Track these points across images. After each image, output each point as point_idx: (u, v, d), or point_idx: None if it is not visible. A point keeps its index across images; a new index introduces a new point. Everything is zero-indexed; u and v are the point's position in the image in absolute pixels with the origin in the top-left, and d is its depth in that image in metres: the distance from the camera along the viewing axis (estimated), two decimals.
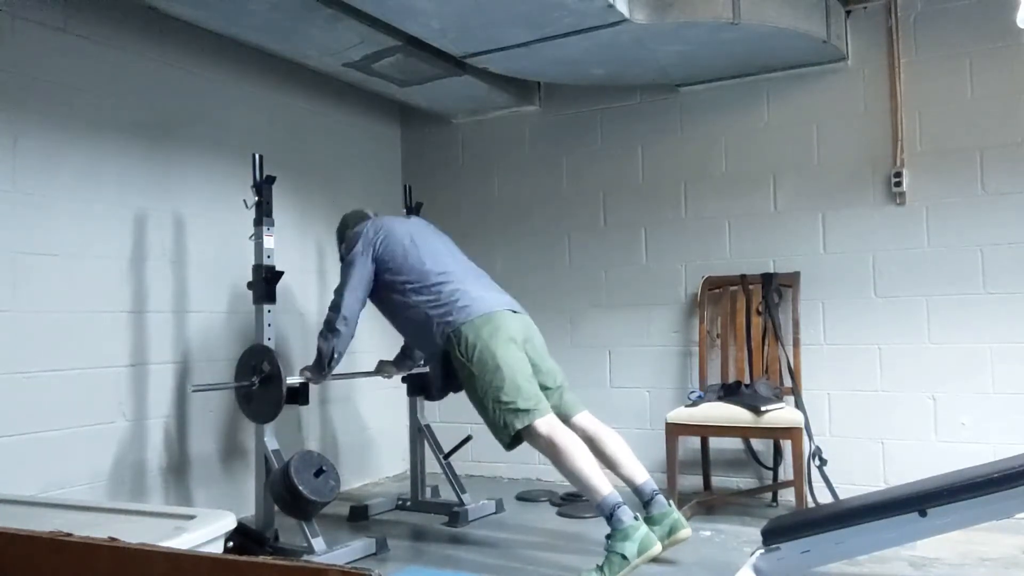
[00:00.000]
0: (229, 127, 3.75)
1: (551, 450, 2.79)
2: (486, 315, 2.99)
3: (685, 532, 2.82)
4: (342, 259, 3.31)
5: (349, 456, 4.29)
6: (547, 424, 2.82)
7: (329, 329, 3.12)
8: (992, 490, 2.08)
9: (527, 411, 2.82)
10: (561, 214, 4.43)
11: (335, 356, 3.13)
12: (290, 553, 2.93)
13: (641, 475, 2.94)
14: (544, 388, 2.97)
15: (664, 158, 4.18)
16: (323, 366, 3.14)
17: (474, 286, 3.11)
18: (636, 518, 2.64)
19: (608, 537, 2.63)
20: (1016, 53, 3.42)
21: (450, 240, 3.40)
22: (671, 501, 2.93)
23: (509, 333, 2.98)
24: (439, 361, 3.08)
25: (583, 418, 3.06)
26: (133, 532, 1.71)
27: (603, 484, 2.70)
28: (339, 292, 3.15)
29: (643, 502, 2.88)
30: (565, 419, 2.96)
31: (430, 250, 3.18)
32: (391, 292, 3.14)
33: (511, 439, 2.86)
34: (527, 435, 2.84)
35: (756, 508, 3.63)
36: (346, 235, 3.33)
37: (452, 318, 2.98)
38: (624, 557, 2.55)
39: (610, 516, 2.63)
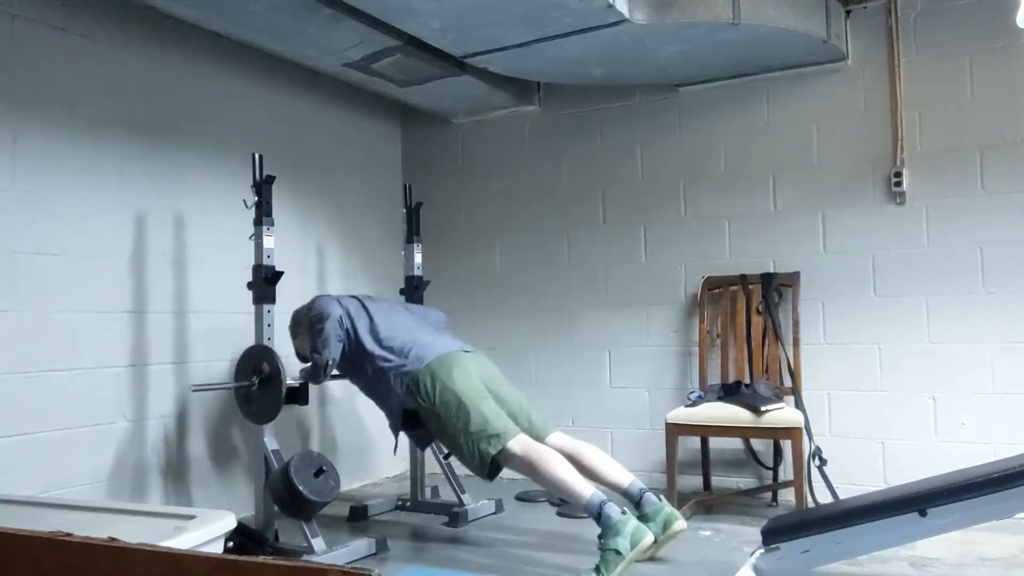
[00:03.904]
0: (229, 127, 3.75)
1: (529, 467, 2.83)
2: (439, 357, 3.07)
3: (680, 524, 2.83)
4: (298, 354, 3.38)
5: (349, 456, 4.29)
6: (519, 443, 2.86)
7: (318, 341, 3.14)
8: (992, 490, 2.08)
9: (497, 435, 2.87)
10: (561, 213, 4.43)
11: (329, 364, 3.15)
12: (290, 553, 2.93)
13: (625, 478, 2.96)
14: (511, 416, 3.01)
15: (664, 158, 4.18)
16: (318, 375, 3.17)
17: (422, 335, 3.21)
18: (624, 512, 2.65)
19: (600, 536, 2.63)
20: (1016, 53, 3.42)
21: (398, 300, 3.64)
22: (661, 496, 2.94)
23: (465, 369, 3.06)
24: (400, 419, 3.13)
25: (556, 438, 3.09)
26: (133, 532, 1.71)
27: (584, 487, 2.73)
28: (319, 329, 3.15)
29: (634, 503, 2.89)
30: (538, 440, 2.98)
31: (379, 311, 3.30)
32: (351, 358, 3.21)
33: (489, 467, 2.89)
34: (503, 459, 2.88)
35: (756, 508, 3.63)
36: (301, 319, 3.35)
37: (408, 368, 3.06)
38: (618, 552, 2.56)
39: (598, 516, 2.65)
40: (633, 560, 2.59)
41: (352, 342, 3.20)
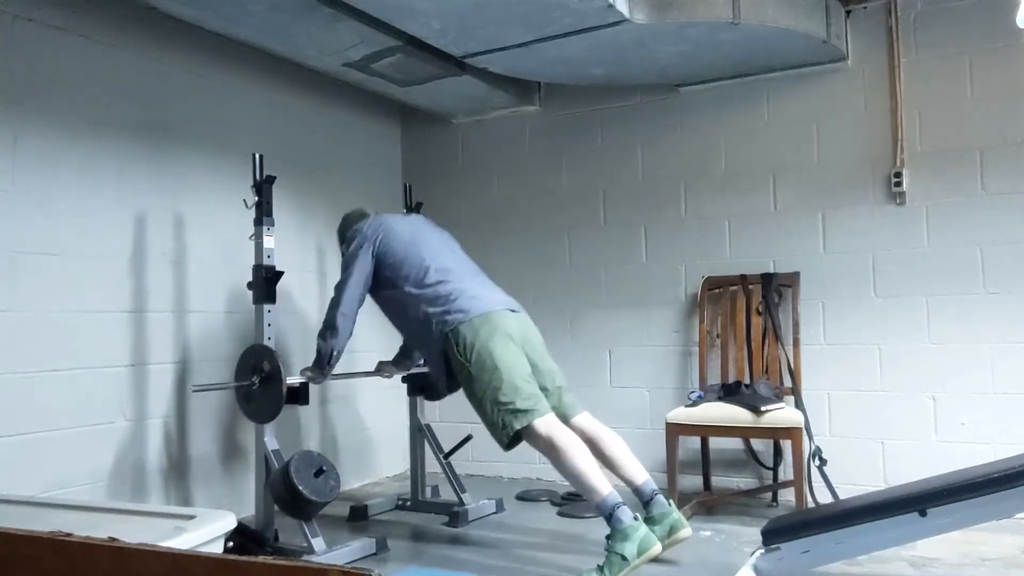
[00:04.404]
0: (229, 127, 3.75)
1: (550, 450, 2.78)
2: (484, 315, 2.97)
3: (685, 532, 2.82)
4: (344, 258, 3.31)
5: (349, 456, 4.29)
6: (546, 424, 2.81)
7: (328, 327, 3.12)
8: (992, 490, 2.08)
9: (526, 411, 2.81)
10: (561, 214, 4.43)
11: (334, 355, 3.13)
12: (290, 553, 2.93)
13: (641, 475, 2.94)
14: (543, 389, 2.96)
15: (664, 158, 4.18)
16: (323, 365, 3.14)
17: (472, 285, 3.09)
18: (636, 518, 2.63)
19: (608, 537, 2.63)
20: (1016, 53, 3.42)
21: (450, 237, 3.39)
22: (671, 501, 2.93)
23: (507, 332, 2.96)
24: (440, 361, 3.06)
25: (582, 419, 3.05)
26: (133, 532, 1.71)
27: (603, 484, 2.70)
28: (339, 288, 3.15)
29: (643, 502, 2.88)
30: (564, 420, 2.94)
31: (430, 248, 3.17)
32: (391, 290, 3.14)
33: (510, 439, 2.85)
34: (526, 435, 2.83)
35: (756, 508, 3.64)
36: (347, 235, 3.33)
37: (450, 317, 2.97)
38: (624, 558, 2.55)
39: (609, 516, 2.63)
40: (637, 567, 2.58)
41: (395, 279, 3.10)
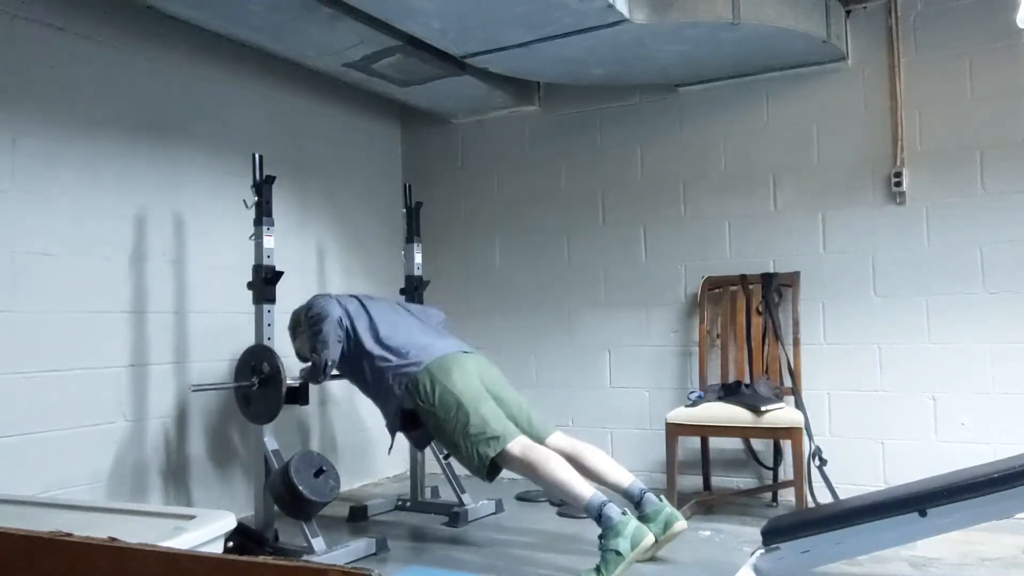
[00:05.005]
0: (229, 127, 3.75)
1: (528, 469, 2.84)
2: (438, 359, 3.07)
3: (681, 524, 2.83)
4: (298, 354, 3.38)
5: (349, 456, 4.29)
6: (519, 445, 2.87)
7: (319, 342, 3.14)
8: (992, 490, 2.08)
9: (497, 437, 2.87)
10: (561, 214, 4.43)
11: (328, 364, 3.15)
12: (290, 553, 2.93)
13: (626, 478, 2.96)
14: (510, 417, 3.01)
15: (664, 158, 4.18)
16: (317, 375, 3.17)
17: (423, 336, 3.21)
18: (624, 513, 2.65)
19: (600, 537, 2.64)
20: (1016, 53, 3.42)
21: (398, 300, 3.62)
22: (662, 496, 2.94)
23: (464, 370, 3.05)
24: (397, 420, 3.13)
25: (556, 439, 3.09)
26: (133, 532, 1.71)
27: (584, 488, 2.73)
28: (317, 330, 3.15)
29: (634, 503, 2.89)
30: (539, 442, 2.98)
31: (378, 310, 3.30)
32: (350, 358, 3.21)
33: (488, 469, 2.90)
34: (502, 461, 2.88)
35: (756, 508, 3.63)
36: (299, 320, 3.36)
37: (407, 369, 3.06)
38: (618, 553, 2.56)
39: (599, 516, 2.65)
40: (633, 561, 2.59)
41: (351, 342, 3.20)
